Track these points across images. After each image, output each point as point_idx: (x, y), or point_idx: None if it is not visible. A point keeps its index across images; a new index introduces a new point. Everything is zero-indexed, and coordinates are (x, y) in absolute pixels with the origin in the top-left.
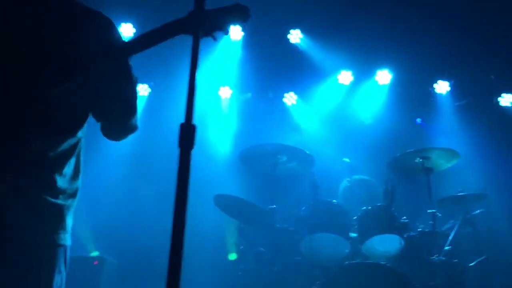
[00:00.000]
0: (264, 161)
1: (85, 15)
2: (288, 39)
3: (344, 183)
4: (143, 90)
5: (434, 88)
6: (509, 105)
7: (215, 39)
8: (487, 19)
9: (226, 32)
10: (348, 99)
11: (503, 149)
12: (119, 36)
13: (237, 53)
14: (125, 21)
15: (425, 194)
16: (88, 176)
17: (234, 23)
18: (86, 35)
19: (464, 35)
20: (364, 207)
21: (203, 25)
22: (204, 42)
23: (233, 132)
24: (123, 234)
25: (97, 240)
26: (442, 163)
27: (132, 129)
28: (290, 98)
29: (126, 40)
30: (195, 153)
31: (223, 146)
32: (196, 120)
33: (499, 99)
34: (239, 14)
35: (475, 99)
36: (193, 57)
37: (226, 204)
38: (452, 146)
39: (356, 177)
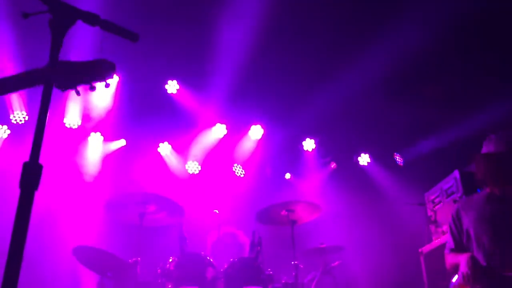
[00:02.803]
0: (131, 210)
1: None
2: (165, 89)
3: (213, 234)
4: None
5: (302, 145)
6: (366, 164)
7: (78, 94)
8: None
9: (92, 88)
10: (221, 151)
11: (360, 205)
12: None
13: (110, 100)
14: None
15: (290, 246)
16: None
17: (99, 79)
18: None
19: (329, 95)
20: (231, 259)
21: (59, 77)
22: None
23: (102, 179)
24: None
25: None
26: (306, 215)
27: None
28: (164, 148)
29: None
30: (55, 197)
31: (88, 192)
32: (62, 164)
33: (359, 158)
34: (105, 71)
35: (338, 157)
36: (43, 107)
37: (86, 256)
38: (316, 201)
39: (225, 229)
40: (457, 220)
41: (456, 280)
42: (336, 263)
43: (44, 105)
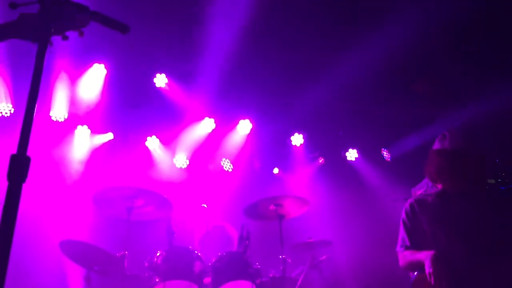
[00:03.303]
0: (119, 204)
1: None
2: (153, 83)
3: (201, 228)
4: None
5: (290, 140)
6: (353, 159)
7: (51, 44)
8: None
9: (65, 37)
10: (210, 145)
11: (348, 200)
12: None
13: (98, 92)
14: None
15: (278, 240)
16: None
17: (72, 28)
18: None
19: (317, 90)
20: (219, 253)
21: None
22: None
23: (89, 172)
24: None
25: None
26: (294, 210)
27: None
28: (151, 142)
29: None
30: (41, 191)
31: (75, 186)
32: (49, 158)
33: (346, 153)
34: (78, 18)
35: (326, 152)
36: (33, 84)
37: (73, 250)
38: (304, 195)
39: (214, 223)
40: (412, 216)
41: (416, 275)
42: (324, 257)
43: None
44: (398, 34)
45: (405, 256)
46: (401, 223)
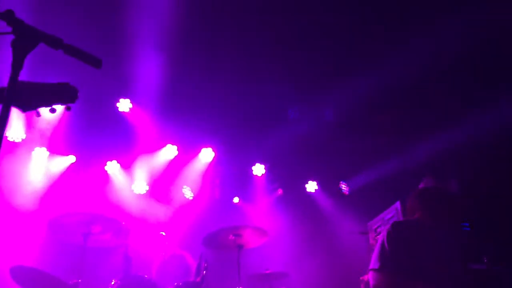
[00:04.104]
0: (75, 230)
1: None
2: (116, 107)
3: (159, 257)
4: None
5: (252, 170)
6: (313, 191)
7: (38, 115)
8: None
9: (52, 110)
10: (171, 172)
11: (306, 232)
12: None
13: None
14: None
15: (235, 270)
16: None
17: (60, 102)
18: None
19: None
20: (176, 283)
21: (20, 97)
22: None
23: (46, 196)
24: None
25: None
26: (253, 240)
27: None
28: (111, 166)
29: None
30: None
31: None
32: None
33: (306, 185)
34: (67, 94)
35: (287, 183)
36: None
37: (24, 277)
38: (263, 226)
39: (172, 251)
40: (393, 238)
41: None
42: None
43: (1, 125)
44: (363, 73)
45: (385, 279)
46: (379, 243)
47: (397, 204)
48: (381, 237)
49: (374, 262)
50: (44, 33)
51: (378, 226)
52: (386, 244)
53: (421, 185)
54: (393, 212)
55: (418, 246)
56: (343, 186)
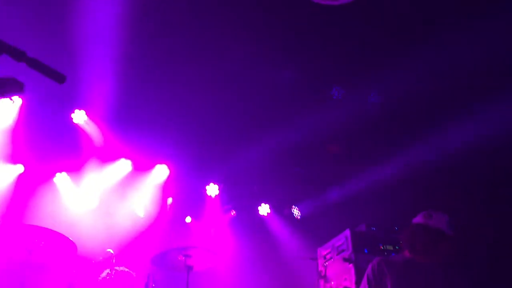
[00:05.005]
0: (19, 245)
1: None
2: (71, 118)
3: (105, 274)
4: None
5: (206, 190)
6: (265, 214)
7: None
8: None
9: None
10: (123, 187)
11: (257, 255)
12: None
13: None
14: None
15: None
16: None
17: (5, 95)
18: None
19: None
20: None
21: None
22: None
23: None
24: None
25: None
26: (203, 262)
27: None
28: (60, 178)
29: None
30: None
31: None
32: None
33: (259, 208)
34: (9, 89)
35: (240, 205)
36: None
37: None
38: (214, 247)
39: (118, 268)
40: (378, 275)
41: None
42: None
43: None
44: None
45: None
46: (365, 278)
47: (347, 232)
48: (367, 271)
49: None
50: (7, 44)
51: (328, 253)
52: (369, 277)
53: (420, 220)
54: (343, 239)
55: (401, 282)
56: (295, 210)
